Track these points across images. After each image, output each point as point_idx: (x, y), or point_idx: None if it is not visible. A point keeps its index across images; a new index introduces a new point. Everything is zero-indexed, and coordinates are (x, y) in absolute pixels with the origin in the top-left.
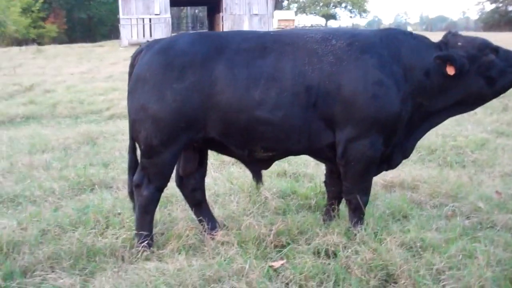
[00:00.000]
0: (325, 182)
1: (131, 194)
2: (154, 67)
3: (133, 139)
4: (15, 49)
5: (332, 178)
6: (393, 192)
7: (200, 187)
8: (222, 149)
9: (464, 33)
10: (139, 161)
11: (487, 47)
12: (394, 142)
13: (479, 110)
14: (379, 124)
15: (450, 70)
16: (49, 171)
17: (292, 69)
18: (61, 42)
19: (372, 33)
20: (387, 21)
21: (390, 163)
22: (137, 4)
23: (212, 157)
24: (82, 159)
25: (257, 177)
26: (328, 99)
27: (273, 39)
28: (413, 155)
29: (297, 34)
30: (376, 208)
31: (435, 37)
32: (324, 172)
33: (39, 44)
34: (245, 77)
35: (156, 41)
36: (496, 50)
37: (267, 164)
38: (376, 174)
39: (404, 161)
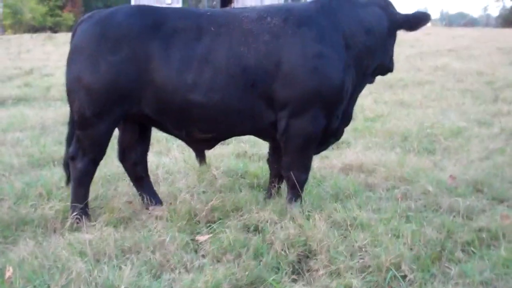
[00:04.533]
0: (268, 160)
1: (65, 166)
2: (90, 37)
3: None
4: (27, 36)
5: (275, 156)
6: (349, 174)
7: (141, 162)
8: (162, 128)
9: (483, 29)
10: None
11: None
12: (340, 114)
13: (468, 100)
14: (321, 98)
15: None
16: (16, 148)
17: (227, 51)
18: None
19: (307, 6)
20: None
21: (337, 135)
22: None
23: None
24: (56, 138)
25: (200, 157)
26: (266, 78)
27: (209, 20)
28: (384, 142)
29: (233, 14)
30: (321, 189)
31: (454, 32)
32: (268, 150)
33: (55, 32)
34: (178, 59)
35: (98, 12)
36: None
37: (210, 144)
38: (325, 149)
39: (370, 145)
